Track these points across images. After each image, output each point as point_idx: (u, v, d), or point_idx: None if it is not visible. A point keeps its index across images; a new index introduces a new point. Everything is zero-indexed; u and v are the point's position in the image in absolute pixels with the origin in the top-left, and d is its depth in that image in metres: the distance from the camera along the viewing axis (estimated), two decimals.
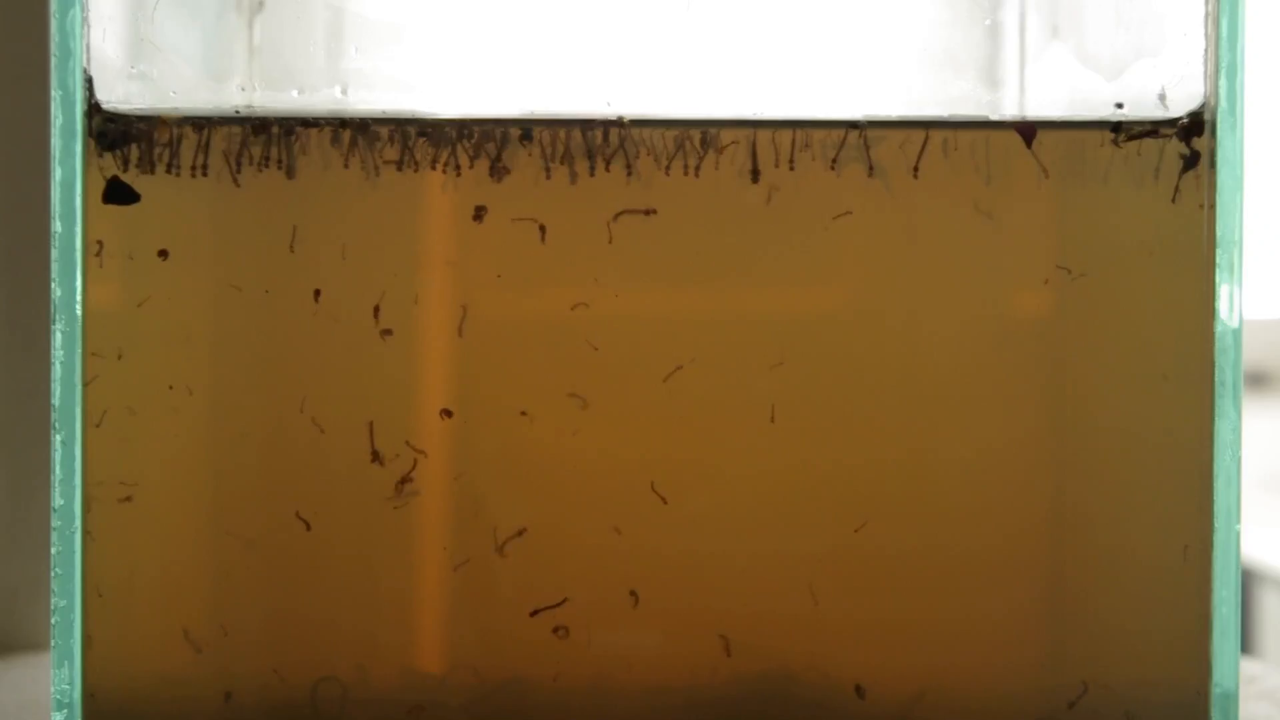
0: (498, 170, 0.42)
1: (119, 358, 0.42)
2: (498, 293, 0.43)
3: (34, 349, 0.58)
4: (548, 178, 0.42)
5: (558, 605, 0.43)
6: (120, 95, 0.42)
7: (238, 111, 0.43)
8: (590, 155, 0.42)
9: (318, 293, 0.42)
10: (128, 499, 0.42)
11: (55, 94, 0.42)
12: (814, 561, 0.43)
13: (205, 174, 0.42)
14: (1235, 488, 0.42)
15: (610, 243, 0.42)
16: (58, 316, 0.42)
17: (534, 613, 0.43)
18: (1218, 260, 0.42)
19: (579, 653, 0.43)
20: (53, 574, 0.42)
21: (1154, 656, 0.43)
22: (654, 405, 0.43)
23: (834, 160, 0.42)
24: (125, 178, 0.42)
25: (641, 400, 0.43)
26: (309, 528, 0.43)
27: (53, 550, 0.42)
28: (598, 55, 0.43)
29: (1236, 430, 0.42)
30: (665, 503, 0.43)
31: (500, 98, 0.43)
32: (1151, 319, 0.43)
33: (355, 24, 0.43)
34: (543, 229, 0.42)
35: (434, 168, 0.42)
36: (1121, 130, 0.42)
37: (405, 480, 0.43)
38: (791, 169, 0.42)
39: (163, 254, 0.42)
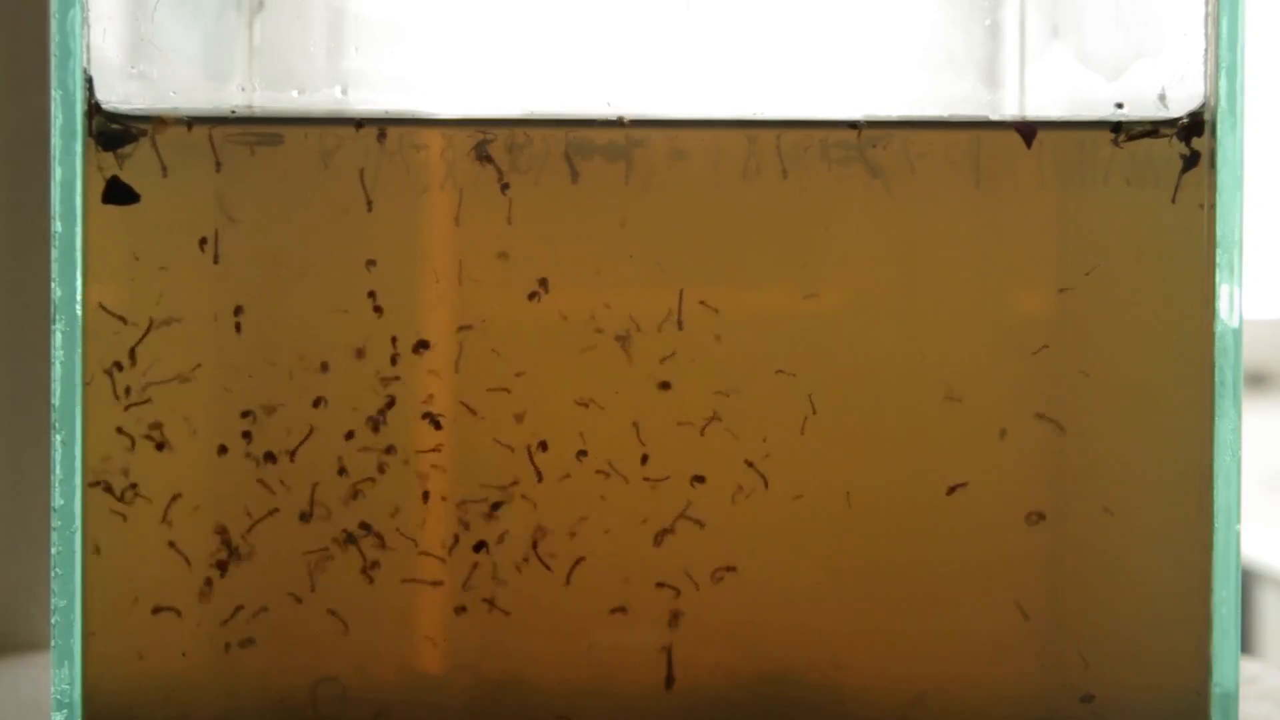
0: (498, 170, 0.42)
1: (118, 357, 0.42)
2: (498, 295, 0.43)
3: (34, 349, 0.58)
4: (547, 177, 0.42)
5: (556, 606, 0.43)
6: (120, 95, 0.42)
7: (234, 111, 0.43)
8: (590, 155, 0.42)
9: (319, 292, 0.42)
10: (127, 499, 0.42)
11: (55, 94, 0.42)
12: (813, 562, 0.43)
13: (204, 174, 0.42)
14: (1235, 488, 0.42)
15: (610, 243, 0.42)
16: (58, 316, 0.42)
17: (533, 613, 0.43)
18: (1218, 260, 0.42)
19: (579, 653, 0.43)
20: (53, 574, 0.42)
21: (1154, 657, 0.43)
22: (653, 406, 0.43)
23: (834, 160, 0.42)
24: (125, 178, 0.42)
25: (640, 402, 0.42)
26: (309, 528, 0.43)
27: (53, 550, 0.42)
28: (598, 55, 0.43)
29: (1236, 430, 0.42)
30: (664, 504, 0.43)
31: (500, 97, 0.43)
32: (1151, 319, 0.43)
33: (355, 24, 0.43)
34: (543, 230, 0.42)
35: (433, 167, 0.42)
36: (1121, 130, 0.42)
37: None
38: (792, 169, 0.42)
39: (162, 254, 0.42)
